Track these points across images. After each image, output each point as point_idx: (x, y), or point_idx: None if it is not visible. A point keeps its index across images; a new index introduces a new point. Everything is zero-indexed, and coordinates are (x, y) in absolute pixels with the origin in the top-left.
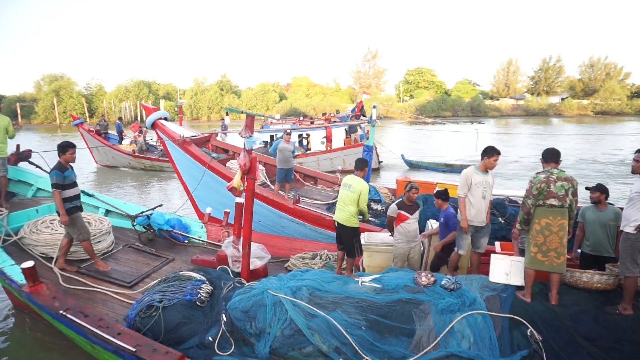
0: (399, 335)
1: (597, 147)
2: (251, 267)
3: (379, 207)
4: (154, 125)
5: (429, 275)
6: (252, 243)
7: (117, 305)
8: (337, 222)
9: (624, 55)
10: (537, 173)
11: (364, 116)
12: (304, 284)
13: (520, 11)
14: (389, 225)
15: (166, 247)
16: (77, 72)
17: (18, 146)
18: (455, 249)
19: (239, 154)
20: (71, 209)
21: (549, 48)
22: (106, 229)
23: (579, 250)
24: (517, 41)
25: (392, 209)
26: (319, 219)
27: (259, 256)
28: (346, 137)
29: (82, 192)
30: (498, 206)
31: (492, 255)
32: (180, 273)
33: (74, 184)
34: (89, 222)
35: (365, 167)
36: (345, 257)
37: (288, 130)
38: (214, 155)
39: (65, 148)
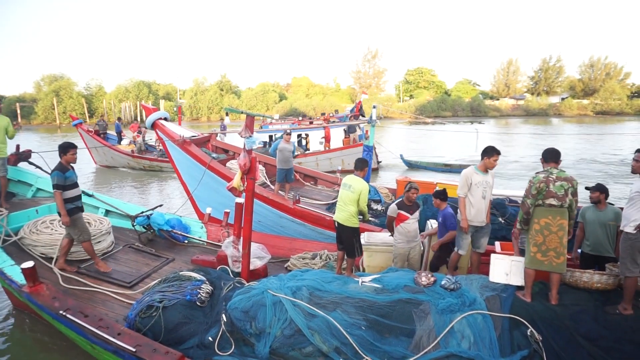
0: (399, 335)
1: (597, 147)
2: (251, 267)
3: (379, 207)
4: (154, 126)
5: (429, 275)
6: (252, 243)
7: (117, 306)
8: (337, 222)
9: (624, 55)
10: (537, 173)
11: (363, 116)
12: (304, 284)
13: (520, 11)
14: (388, 225)
15: (166, 247)
16: (77, 73)
17: (18, 146)
18: (455, 249)
19: (239, 154)
20: (72, 209)
21: (549, 48)
22: (106, 229)
23: (579, 250)
24: (517, 41)
25: (392, 209)
26: (319, 219)
27: (259, 256)
28: (345, 137)
29: (82, 192)
30: (498, 206)
31: (492, 255)
32: (180, 273)
33: (75, 185)
34: (88, 222)
35: (365, 167)
36: (345, 257)
37: (288, 131)
38: (214, 155)
39: (67, 149)
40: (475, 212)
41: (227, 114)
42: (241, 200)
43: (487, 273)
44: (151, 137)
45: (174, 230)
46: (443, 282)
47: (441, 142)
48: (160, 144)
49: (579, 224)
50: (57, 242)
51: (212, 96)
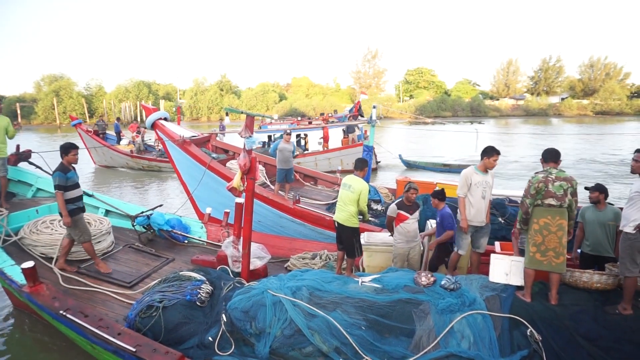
0: (399, 335)
1: (597, 147)
2: (251, 267)
3: (379, 207)
4: (153, 126)
5: (429, 275)
6: (252, 243)
7: (117, 306)
8: (337, 222)
9: (623, 56)
10: (536, 173)
11: (362, 116)
12: (304, 284)
13: (520, 11)
14: (388, 225)
15: (166, 247)
16: (77, 73)
17: (18, 146)
18: (455, 249)
19: (239, 154)
20: (74, 210)
21: (549, 48)
22: (106, 229)
23: (579, 250)
24: (517, 41)
25: (392, 209)
26: (319, 219)
27: (258, 256)
28: (344, 137)
29: (83, 192)
30: (498, 206)
31: (492, 255)
32: (180, 273)
33: (76, 185)
34: (88, 222)
35: (365, 167)
36: (345, 257)
37: (288, 131)
38: (214, 155)
39: (68, 149)
40: (475, 212)
41: (227, 114)
42: (241, 200)
43: (486, 273)
44: (150, 137)
45: (174, 230)
46: (443, 282)
47: (441, 142)
48: (160, 144)
49: (579, 224)
50: (57, 242)
51: (212, 96)
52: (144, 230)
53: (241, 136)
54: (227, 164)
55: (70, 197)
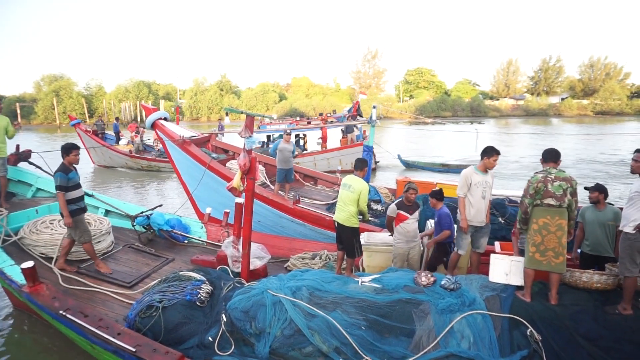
0: (399, 335)
1: (597, 147)
2: (251, 267)
3: (379, 207)
4: (153, 126)
5: (429, 275)
6: (252, 243)
7: (117, 306)
8: (337, 222)
9: (623, 56)
10: (536, 173)
11: (361, 116)
12: (304, 284)
13: (520, 11)
14: (388, 225)
15: (166, 247)
16: (77, 73)
17: (18, 146)
18: (455, 249)
19: (239, 154)
20: (75, 210)
21: (549, 48)
22: (106, 229)
23: (579, 250)
24: (517, 41)
25: (392, 209)
26: (319, 219)
27: (258, 256)
28: (343, 138)
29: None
30: (498, 206)
31: (492, 255)
32: (180, 273)
33: (77, 186)
34: (88, 222)
35: (364, 167)
36: (345, 257)
37: (288, 131)
38: (214, 155)
39: (69, 150)
40: (475, 212)
41: (227, 114)
42: (241, 200)
43: (486, 273)
44: (149, 137)
45: (174, 230)
46: (443, 282)
47: (441, 142)
48: (159, 144)
49: (579, 224)
50: (57, 242)
51: (212, 96)
52: (144, 230)
53: (241, 136)
54: (227, 164)
55: (71, 197)
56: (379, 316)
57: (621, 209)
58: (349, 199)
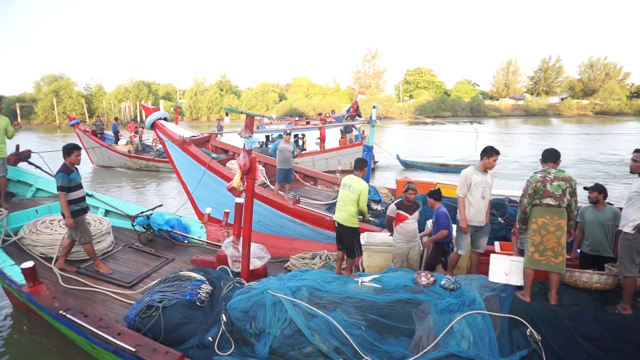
0: (399, 335)
1: (597, 147)
2: (251, 267)
3: (378, 207)
4: (153, 126)
5: (429, 275)
6: (251, 243)
7: (117, 306)
8: (337, 222)
9: (623, 56)
10: (535, 172)
11: (359, 116)
12: (304, 284)
13: (520, 11)
14: (388, 225)
15: (166, 247)
16: (77, 73)
17: (17, 146)
18: (455, 249)
19: (239, 154)
20: (76, 211)
21: (549, 48)
22: (106, 229)
23: (579, 250)
24: (517, 41)
25: (391, 209)
26: (319, 219)
27: (258, 256)
28: (341, 138)
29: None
30: (498, 206)
31: (492, 255)
32: (180, 273)
33: (79, 186)
34: (88, 222)
35: (364, 167)
36: (345, 257)
37: (288, 131)
38: (214, 155)
39: (71, 150)
40: (475, 212)
41: (227, 114)
42: (241, 200)
43: (486, 273)
44: (148, 137)
45: (174, 230)
46: (443, 282)
47: (441, 143)
48: (158, 144)
49: (578, 224)
50: (57, 242)
51: (212, 96)
52: (144, 230)
53: (241, 136)
54: (227, 164)
55: (73, 197)
56: (379, 316)
57: (621, 209)
58: (348, 199)
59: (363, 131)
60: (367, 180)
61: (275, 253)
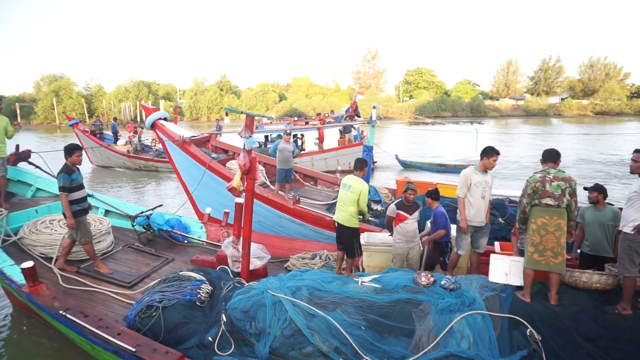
0: (399, 335)
1: (597, 147)
2: (251, 267)
3: (378, 207)
4: (153, 126)
5: (429, 275)
6: (251, 243)
7: (117, 306)
8: (337, 223)
9: (623, 56)
10: (535, 172)
11: (358, 116)
12: (304, 284)
13: (520, 11)
14: (388, 225)
15: (166, 247)
16: (77, 73)
17: (17, 146)
18: (455, 249)
19: (239, 154)
20: (77, 211)
21: (549, 48)
22: (106, 229)
23: (579, 251)
24: (517, 41)
25: (391, 209)
26: (319, 219)
27: (258, 256)
28: (340, 138)
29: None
30: (498, 206)
31: (492, 256)
32: (180, 273)
33: (81, 186)
34: (88, 222)
35: (364, 167)
36: (345, 257)
37: (288, 131)
38: (214, 155)
39: (72, 150)
40: (475, 212)
41: (227, 114)
42: (241, 200)
43: (486, 273)
44: (147, 137)
45: (174, 230)
46: (443, 282)
47: (441, 143)
48: (157, 144)
49: (579, 224)
50: (57, 242)
51: (212, 96)
52: (144, 230)
53: (241, 136)
54: (227, 164)
55: (74, 198)
56: (378, 316)
57: (621, 209)
58: (349, 199)
59: (362, 131)
60: (367, 180)
61: (275, 253)
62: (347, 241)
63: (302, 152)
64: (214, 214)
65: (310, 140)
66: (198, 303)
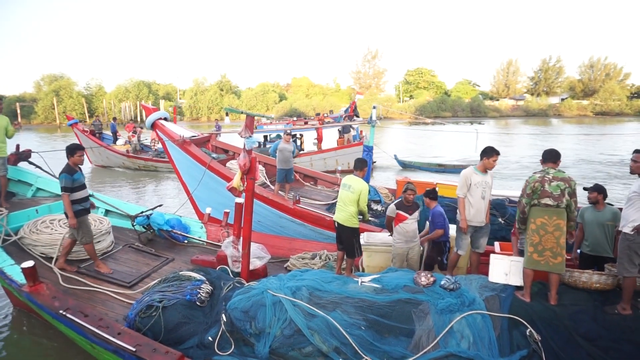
0: (399, 335)
1: (597, 148)
2: (251, 267)
3: (378, 207)
4: (153, 126)
5: (429, 276)
6: (251, 243)
7: (117, 305)
8: (337, 223)
9: (623, 56)
10: (534, 172)
11: (357, 116)
12: (304, 284)
13: (520, 11)
14: (388, 225)
15: (166, 247)
16: (77, 72)
17: (18, 146)
18: (455, 249)
19: (239, 154)
20: (79, 211)
21: (549, 48)
22: (106, 229)
23: (579, 251)
24: (517, 41)
25: (391, 209)
26: (319, 219)
27: (258, 256)
28: (339, 138)
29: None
30: (498, 207)
31: (492, 256)
32: (180, 273)
33: (83, 186)
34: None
35: (364, 167)
36: (345, 257)
37: (288, 131)
38: (214, 155)
39: (74, 150)
40: (475, 212)
41: (227, 114)
42: (241, 200)
43: (486, 273)
44: (146, 137)
45: (174, 230)
46: (442, 282)
47: (441, 143)
48: (156, 144)
49: (578, 224)
50: (57, 241)
51: (212, 96)
52: (144, 230)
53: (241, 136)
54: (227, 164)
55: (76, 197)
56: (378, 316)
57: (621, 209)
58: (349, 199)
59: (361, 131)
60: (367, 180)
61: (275, 253)
62: (347, 241)
63: (301, 152)
64: (214, 214)
65: (309, 141)
66: (198, 303)
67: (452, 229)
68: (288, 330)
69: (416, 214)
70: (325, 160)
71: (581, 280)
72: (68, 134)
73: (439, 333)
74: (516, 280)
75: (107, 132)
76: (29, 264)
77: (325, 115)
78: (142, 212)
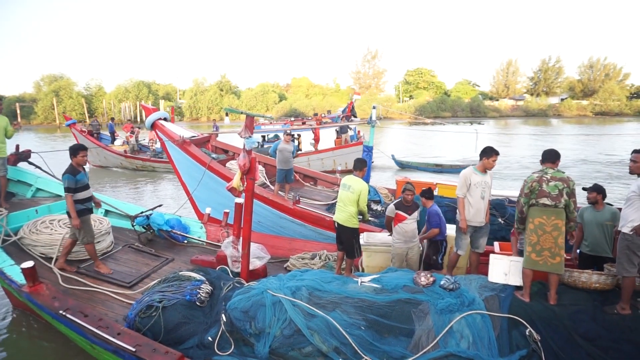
0: (398, 335)
1: (597, 148)
2: (251, 267)
3: (378, 207)
4: (153, 126)
5: (428, 276)
6: (251, 243)
7: (116, 306)
8: (337, 223)
9: (623, 56)
10: (533, 172)
11: (355, 117)
12: (304, 284)
13: (520, 11)
14: (387, 225)
15: (165, 247)
16: (77, 73)
17: (17, 146)
18: (455, 249)
19: (239, 155)
20: (82, 210)
21: (549, 49)
22: (106, 229)
23: (578, 251)
24: (517, 42)
25: (390, 209)
26: (319, 220)
27: (258, 256)
28: (337, 138)
29: None
30: (497, 207)
31: (491, 256)
32: (180, 273)
33: (86, 186)
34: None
35: (364, 167)
36: (345, 257)
37: (288, 131)
38: (214, 155)
39: (77, 151)
40: (474, 212)
41: (227, 114)
42: (241, 200)
43: (486, 273)
44: (144, 138)
45: (174, 231)
46: (442, 282)
47: (441, 143)
48: (154, 144)
49: (578, 224)
50: (57, 242)
51: (212, 96)
52: (144, 230)
53: (241, 136)
54: (227, 164)
55: (79, 197)
56: (378, 316)
57: (620, 209)
58: (348, 200)
59: (359, 132)
60: (367, 180)
61: (275, 253)
62: (347, 241)
63: (299, 152)
64: (213, 214)
65: (306, 141)
66: (198, 303)
67: (452, 229)
68: (288, 330)
69: (415, 214)
70: (322, 161)
71: (580, 280)
72: (68, 135)
73: (438, 333)
74: (516, 280)
75: (105, 133)
76: (29, 264)
77: (323, 115)
78: (141, 212)
